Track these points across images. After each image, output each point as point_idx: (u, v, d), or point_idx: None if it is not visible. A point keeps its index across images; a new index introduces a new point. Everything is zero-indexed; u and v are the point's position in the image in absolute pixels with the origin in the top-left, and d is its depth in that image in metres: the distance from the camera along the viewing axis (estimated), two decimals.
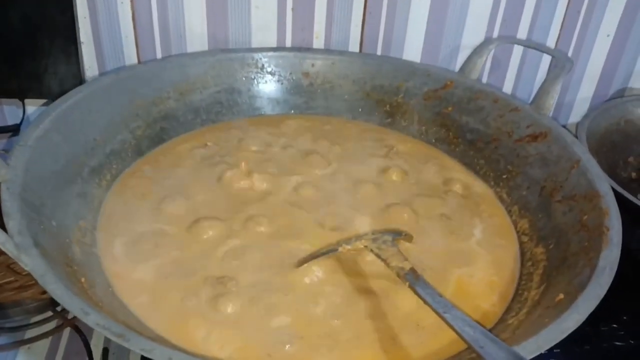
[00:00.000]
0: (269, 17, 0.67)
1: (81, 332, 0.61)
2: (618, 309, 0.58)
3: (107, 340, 0.60)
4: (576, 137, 0.64)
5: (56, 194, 0.47)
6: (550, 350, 0.54)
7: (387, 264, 0.42)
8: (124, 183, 0.55)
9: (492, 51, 0.72)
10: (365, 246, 0.45)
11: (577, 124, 0.68)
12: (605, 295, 0.59)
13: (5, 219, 0.38)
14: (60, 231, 0.44)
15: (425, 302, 0.38)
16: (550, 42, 0.74)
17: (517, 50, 0.74)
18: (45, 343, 0.63)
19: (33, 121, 0.49)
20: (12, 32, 0.59)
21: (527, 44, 0.64)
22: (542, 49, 0.63)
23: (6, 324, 0.62)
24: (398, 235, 0.48)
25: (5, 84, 0.62)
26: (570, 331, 0.35)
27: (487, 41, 0.66)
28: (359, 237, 0.47)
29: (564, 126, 0.78)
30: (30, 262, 0.35)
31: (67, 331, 0.63)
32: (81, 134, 0.53)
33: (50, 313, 0.61)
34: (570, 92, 0.79)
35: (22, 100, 0.64)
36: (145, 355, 0.31)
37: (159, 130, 0.61)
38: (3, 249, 0.35)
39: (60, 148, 0.50)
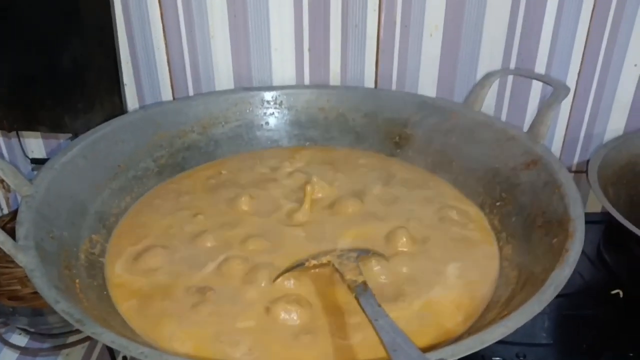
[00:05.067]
0: (288, 58, 0.73)
1: None
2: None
3: None
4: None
5: (74, 210, 0.54)
6: None
7: (342, 277, 0.45)
8: (142, 204, 0.62)
9: (508, 83, 0.73)
10: (329, 261, 0.48)
11: (591, 155, 0.66)
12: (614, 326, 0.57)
13: (16, 226, 0.46)
14: (70, 241, 0.51)
15: (363, 310, 0.40)
16: (572, 74, 0.74)
17: (537, 82, 0.74)
18: (82, 350, 0.71)
19: (63, 149, 0.58)
20: (64, 74, 0.69)
21: (528, 75, 0.65)
22: (541, 78, 0.64)
23: (51, 330, 0.71)
24: (365, 253, 0.50)
25: (59, 121, 0.72)
26: (489, 343, 0.36)
27: (489, 74, 0.68)
28: (326, 253, 0.50)
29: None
30: (24, 259, 0.42)
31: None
32: (106, 160, 0.61)
33: None
34: (599, 123, 0.78)
35: (74, 134, 0.74)
36: (96, 338, 0.36)
37: (180, 159, 0.68)
38: (2, 248, 0.42)
39: (84, 172, 0.58)
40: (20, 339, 0.71)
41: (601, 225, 0.70)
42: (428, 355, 0.34)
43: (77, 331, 0.71)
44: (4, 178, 0.49)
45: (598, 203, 0.72)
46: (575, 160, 0.79)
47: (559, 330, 0.60)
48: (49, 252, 0.46)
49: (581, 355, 0.57)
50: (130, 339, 0.36)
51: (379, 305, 0.40)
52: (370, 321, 0.39)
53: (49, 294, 0.39)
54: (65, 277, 0.45)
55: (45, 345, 0.71)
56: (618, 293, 0.62)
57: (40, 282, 0.40)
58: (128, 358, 0.64)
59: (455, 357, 0.35)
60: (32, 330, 0.70)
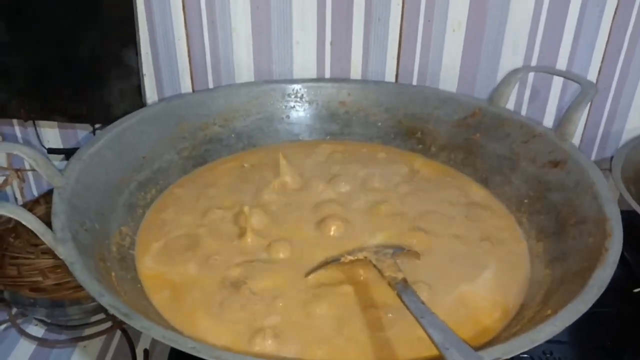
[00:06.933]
0: (309, 51, 0.73)
1: (128, 334, 0.68)
2: None
3: (150, 342, 0.66)
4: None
5: (103, 202, 0.54)
6: None
7: (382, 274, 0.45)
8: (168, 197, 0.62)
9: (529, 80, 0.73)
10: (365, 257, 0.48)
11: (610, 153, 0.67)
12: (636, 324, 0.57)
13: (52, 218, 0.45)
14: (101, 233, 0.50)
15: (407, 307, 0.40)
16: (593, 72, 0.74)
17: (557, 80, 0.74)
18: (99, 342, 0.70)
19: (90, 140, 0.57)
20: (83, 65, 0.69)
21: (553, 72, 0.65)
22: (568, 76, 0.64)
23: (69, 322, 0.70)
24: (400, 250, 0.50)
25: (76, 111, 0.71)
26: (540, 342, 0.36)
27: (514, 70, 0.68)
28: (362, 249, 0.50)
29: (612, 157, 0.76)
30: (64, 252, 0.42)
31: (118, 333, 0.70)
32: (132, 152, 0.60)
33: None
34: (617, 121, 0.78)
35: (92, 125, 0.74)
36: (144, 332, 0.36)
37: (203, 152, 0.68)
38: (43, 239, 0.41)
39: (111, 163, 0.57)
40: (37, 330, 0.70)
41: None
42: (481, 353, 0.35)
43: (95, 323, 0.71)
44: (37, 168, 0.48)
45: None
46: (593, 158, 0.80)
47: (581, 328, 0.60)
48: (83, 244, 0.46)
49: (603, 353, 0.58)
50: (179, 333, 0.36)
51: (423, 303, 0.40)
52: (416, 319, 0.39)
53: (93, 287, 0.39)
54: (101, 270, 0.45)
55: (63, 336, 0.70)
56: None
57: (82, 275, 0.40)
58: (150, 351, 0.64)
59: (507, 356, 0.35)
60: (50, 321, 0.69)
